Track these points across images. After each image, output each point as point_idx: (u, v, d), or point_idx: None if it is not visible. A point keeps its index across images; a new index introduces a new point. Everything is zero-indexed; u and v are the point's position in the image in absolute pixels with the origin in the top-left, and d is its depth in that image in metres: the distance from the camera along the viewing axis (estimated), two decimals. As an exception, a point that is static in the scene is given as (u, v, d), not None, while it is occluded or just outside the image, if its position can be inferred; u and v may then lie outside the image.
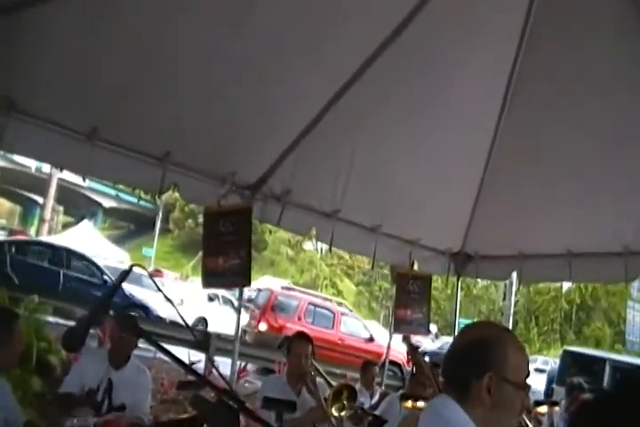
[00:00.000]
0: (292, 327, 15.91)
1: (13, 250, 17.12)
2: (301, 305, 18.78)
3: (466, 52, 4.61)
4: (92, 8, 3.62)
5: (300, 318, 18.27)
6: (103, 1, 3.58)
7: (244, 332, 17.20)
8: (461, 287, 7.28)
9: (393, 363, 15.25)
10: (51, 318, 10.48)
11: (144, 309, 16.68)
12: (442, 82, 4.86)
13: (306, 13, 4.17)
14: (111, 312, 2.36)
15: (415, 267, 6.76)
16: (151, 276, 3.03)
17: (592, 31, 4.26)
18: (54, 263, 17.53)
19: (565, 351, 18.74)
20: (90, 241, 31.67)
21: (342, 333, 18.38)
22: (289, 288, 23.56)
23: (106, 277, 17.75)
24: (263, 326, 17.73)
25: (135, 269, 2.17)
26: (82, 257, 18.80)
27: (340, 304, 23.01)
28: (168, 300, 2.38)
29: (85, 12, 3.65)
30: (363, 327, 19.11)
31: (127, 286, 15.77)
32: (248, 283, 5.62)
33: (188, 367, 2.02)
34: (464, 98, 4.99)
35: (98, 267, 18.40)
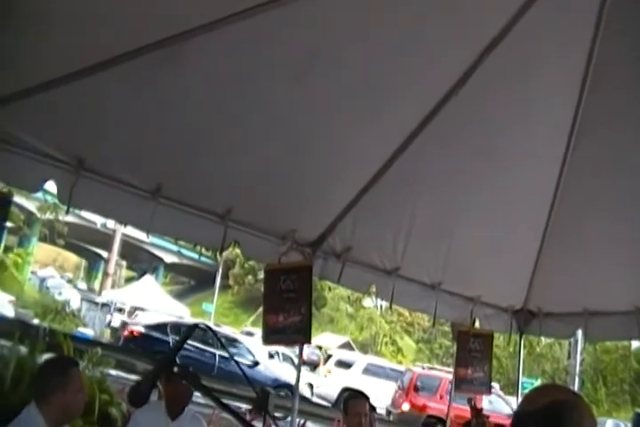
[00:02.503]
0: (435, 406, 16.09)
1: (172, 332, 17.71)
2: (443, 384, 19.02)
3: (526, 102, 4.61)
4: (156, 69, 3.76)
5: (441, 397, 18.41)
6: (166, 62, 3.69)
7: (389, 412, 17.79)
8: (524, 345, 7.09)
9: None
10: (112, 371, 10.63)
11: (289, 387, 16.41)
12: (502, 136, 4.87)
13: (366, 71, 4.25)
14: (175, 369, 2.39)
15: (476, 324, 6.64)
16: (215, 334, 3.07)
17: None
18: (209, 344, 18.00)
19: (637, 414, 17.98)
20: (151, 296, 32.08)
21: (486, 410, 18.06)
22: (431, 368, 23.99)
23: (252, 357, 18.38)
24: (406, 406, 18.18)
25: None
26: (232, 338, 19.40)
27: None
28: (231, 357, 2.41)
29: (149, 74, 3.80)
30: (504, 404, 18.66)
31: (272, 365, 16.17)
32: (308, 340, 5.59)
33: (247, 423, 2.03)
34: (524, 150, 4.97)
35: (247, 348, 18.98)
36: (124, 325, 21.00)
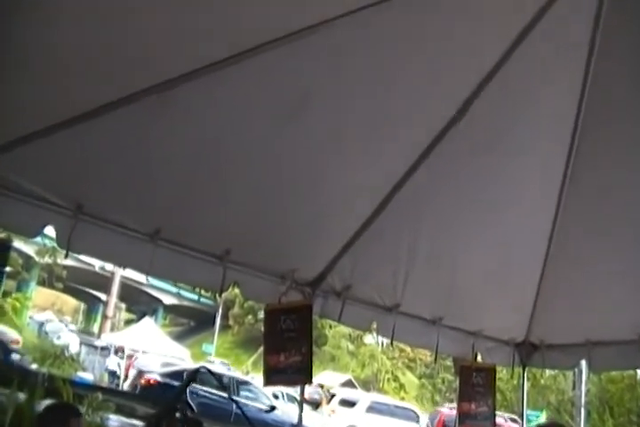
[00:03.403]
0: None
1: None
2: None
3: (525, 133, 4.68)
4: (152, 114, 3.81)
5: None
6: (161, 106, 3.74)
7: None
8: (528, 377, 7.05)
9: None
10: (113, 416, 10.51)
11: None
12: (501, 168, 4.92)
13: (362, 111, 4.32)
14: (178, 415, 2.38)
15: (479, 358, 6.61)
16: (215, 376, 3.06)
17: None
18: (224, 390, 17.91)
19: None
20: (151, 338, 31.82)
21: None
22: (452, 408, 23.81)
23: (269, 401, 18.36)
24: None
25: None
26: (247, 383, 19.31)
27: (513, 420, 22.72)
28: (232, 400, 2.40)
29: (146, 119, 3.85)
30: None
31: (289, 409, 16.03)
32: (310, 380, 5.55)
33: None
34: (523, 184, 5.04)
35: (263, 392, 18.97)
36: (140, 373, 20.81)
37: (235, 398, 17.63)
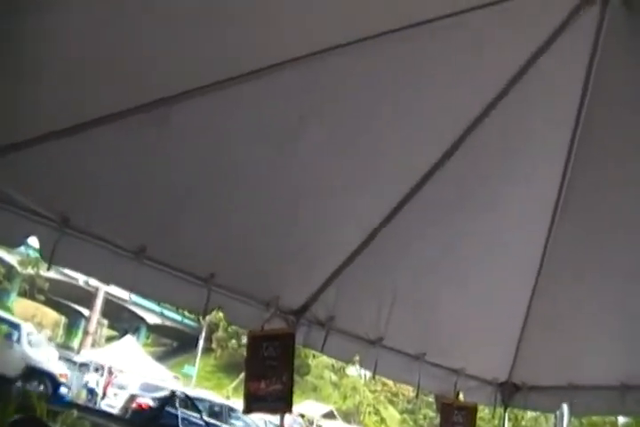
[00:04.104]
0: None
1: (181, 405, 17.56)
2: None
3: (511, 174, 4.72)
4: (144, 131, 3.80)
5: None
6: (153, 124, 3.73)
7: None
8: (509, 418, 6.99)
9: None
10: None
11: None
12: (486, 208, 4.94)
13: (354, 141, 4.34)
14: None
15: (460, 396, 6.55)
16: (192, 401, 3.01)
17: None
18: (217, 418, 18.15)
19: None
20: (132, 357, 31.46)
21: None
22: None
23: None
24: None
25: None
26: (235, 409, 19.26)
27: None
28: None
29: (137, 135, 3.83)
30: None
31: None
32: (290, 409, 5.50)
33: None
34: (509, 222, 5.04)
35: (254, 422, 19.13)
36: (133, 397, 20.59)
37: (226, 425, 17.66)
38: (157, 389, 20.58)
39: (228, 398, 38.16)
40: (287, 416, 6.65)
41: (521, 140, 4.51)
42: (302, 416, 32.61)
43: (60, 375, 20.57)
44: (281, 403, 5.32)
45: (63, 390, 20.31)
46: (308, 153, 4.30)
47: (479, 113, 4.26)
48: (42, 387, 18.76)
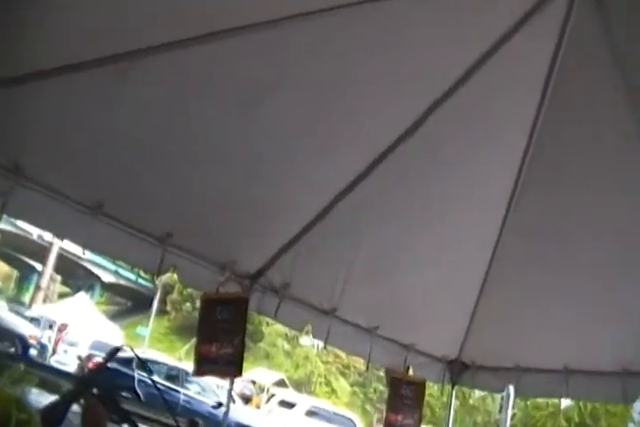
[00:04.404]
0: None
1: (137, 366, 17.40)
2: None
3: (471, 154, 4.74)
4: (108, 83, 3.66)
5: None
6: (118, 77, 3.60)
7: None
8: (457, 396, 7.11)
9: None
10: (35, 390, 10.24)
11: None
12: (446, 182, 4.95)
13: (318, 111, 4.29)
14: (95, 391, 2.29)
15: (410, 372, 6.62)
16: (140, 359, 2.97)
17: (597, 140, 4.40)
18: (173, 381, 18.22)
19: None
20: (84, 314, 31.27)
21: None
22: None
23: (217, 397, 18.50)
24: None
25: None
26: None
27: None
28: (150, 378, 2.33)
29: (99, 87, 3.68)
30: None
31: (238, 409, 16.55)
32: (239, 373, 5.48)
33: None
34: (467, 199, 5.09)
35: (213, 390, 19.13)
36: (90, 356, 20.43)
37: (185, 391, 17.89)
38: (110, 347, 20.45)
39: (180, 360, 38.19)
40: (238, 382, 6.63)
41: (487, 116, 4.50)
42: (253, 383, 32.75)
43: (30, 337, 20.44)
44: (231, 367, 5.32)
45: (33, 351, 20.22)
46: (273, 117, 4.20)
47: (450, 85, 4.23)
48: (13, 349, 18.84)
